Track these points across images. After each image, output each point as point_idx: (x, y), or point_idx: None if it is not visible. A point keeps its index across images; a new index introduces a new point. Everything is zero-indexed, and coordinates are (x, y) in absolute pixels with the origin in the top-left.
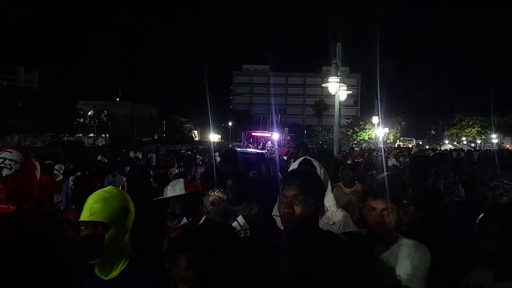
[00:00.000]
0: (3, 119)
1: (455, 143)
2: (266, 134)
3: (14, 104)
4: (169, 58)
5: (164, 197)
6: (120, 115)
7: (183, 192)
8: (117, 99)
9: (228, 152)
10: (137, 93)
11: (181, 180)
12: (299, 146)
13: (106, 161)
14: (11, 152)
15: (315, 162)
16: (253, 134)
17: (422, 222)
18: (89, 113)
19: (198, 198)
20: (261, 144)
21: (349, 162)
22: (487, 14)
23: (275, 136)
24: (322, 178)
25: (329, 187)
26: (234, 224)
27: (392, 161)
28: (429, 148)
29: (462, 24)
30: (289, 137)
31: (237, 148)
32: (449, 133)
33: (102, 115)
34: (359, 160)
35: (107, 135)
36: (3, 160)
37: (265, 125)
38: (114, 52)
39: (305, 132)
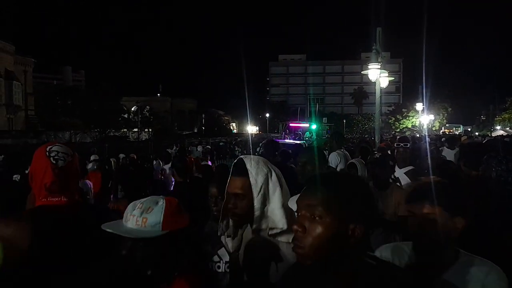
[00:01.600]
0: (55, 116)
1: (507, 128)
2: (304, 124)
3: (64, 102)
4: (206, 52)
5: (117, 230)
6: (161, 110)
7: (158, 232)
8: (158, 94)
9: (269, 143)
10: (177, 88)
11: (161, 203)
12: (334, 135)
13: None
14: (61, 146)
15: (359, 166)
16: (290, 125)
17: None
18: (132, 109)
19: (181, 241)
20: (299, 134)
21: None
22: None
23: (313, 126)
24: None
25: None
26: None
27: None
28: (478, 135)
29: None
30: (327, 127)
31: (275, 139)
32: (500, 118)
33: (145, 110)
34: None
35: (150, 130)
36: (56, 152)
37: (303, 116)
38: (153, 49)
39: (345, 121)
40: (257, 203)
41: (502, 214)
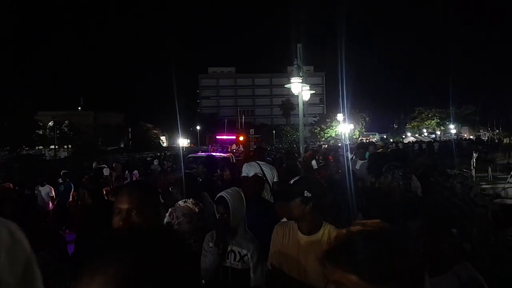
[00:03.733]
0: None
1: (416, 135)
2: (230, 136)
3: None
4: (133, 63)
5: None
6: (82, 125)
7: None
8: (79, 108)
9: (209, 160)
10: (101, 101)
11: None
12: (257, 149)
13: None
14: None
15: (265, 167)
16: (217, 137)
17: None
18: (49, 124)
19: None
20: (226, 147)
21: (314, 162)
22: (442, 12)
23: (241, 138)
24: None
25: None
26: None
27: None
28: (392, 142)
29: (419, 21)
30: (255, 139)
31: (202, 152)
32: (410, 126)
33: (63, 125)
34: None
35: (70, 146)
36: None
37: (232, 128)
38: (73, 58)
39: (274, 132)
40: None
41: (403, 221)
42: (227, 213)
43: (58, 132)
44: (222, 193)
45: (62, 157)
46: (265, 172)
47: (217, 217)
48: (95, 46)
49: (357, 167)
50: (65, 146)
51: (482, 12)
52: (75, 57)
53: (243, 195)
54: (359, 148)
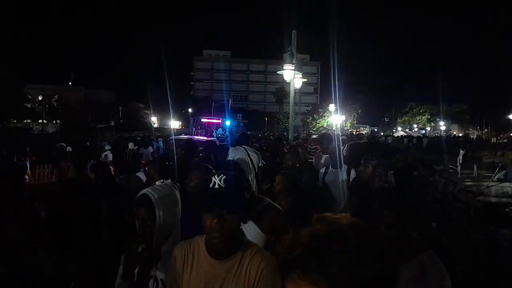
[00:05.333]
0: None
1: (407, 130)
2: (217, 120)
3: None
4: (127, 41)
5: None
6: (72, 100)
7: None
8: (70, 83)
9: (188, 144)
10: (92, 77)
11: None
12: (242, 135)
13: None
14: None
15: (251, 152)
16: (202, 120)
17: (356, 210)
18: (38, 98)
19: None
20: (210, 131)
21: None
22: (435, 6)
23: (227, 122)
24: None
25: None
26: None
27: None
28: (383, 135)
29: (414, 14)
30: (242, 124)
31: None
32: (401, 120)
33: (52, 100)
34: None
35: (58, 122)
36: None
37: (221, 112)
38: (66, 31)
39: (266, 119)
40: None
41: (380, 211)
42: (150, 220)
43: (47, 106)
44: (147, 190)
45: (50, 132)
46: (251, 156)
47: (137, 226)
48: (90, 22)
49: (322, 161)
50: (54, 121)
51: (480, 9)
52: (68, 32)
53: (178, 193)
54: (324, 139)
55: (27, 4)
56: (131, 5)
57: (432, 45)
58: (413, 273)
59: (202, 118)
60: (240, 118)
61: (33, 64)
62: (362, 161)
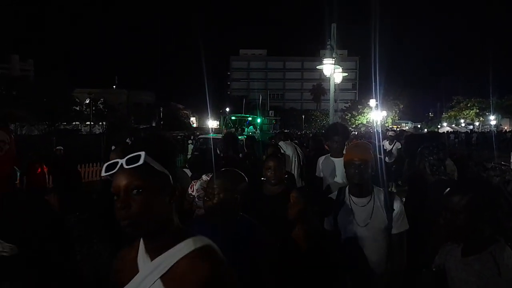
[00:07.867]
0: None
1: (453, 125)
2: (245, 117)
3: (9, 93)
4: (166, 44)
5: None
6: (116, 103)
7: None
8: (114, 86)
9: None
10: (134, 80)
11: None
12: (278, 134)
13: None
14: None
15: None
16: (232, 118)
17: (413, 202)
18: (86, 101)
19: None
20: (240, 128)
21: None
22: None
23: (258, 119)
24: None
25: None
26: None
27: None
28: (427, 131)
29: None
30: (274, 121)
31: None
32: (447, 116)
33: (99, 102)
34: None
35: (104, 123)
36: None
37: (252, 109)
38: (110, 39)
39: (303, 117)
40: None
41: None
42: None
43: (94, 109)
44: None
45: (97, 132)
46: (299, 153)
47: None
48: (130, 28)
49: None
50: (100, 123)
51: None
52: (111, 37)
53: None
54: (314, 139)
55: (77, 23)
56: (169, 10)
57: (480, 33)
58: (486, 266)
59: (232, 115)
60: (272, 115)
61: (82, 70)
62: (419, 152)
